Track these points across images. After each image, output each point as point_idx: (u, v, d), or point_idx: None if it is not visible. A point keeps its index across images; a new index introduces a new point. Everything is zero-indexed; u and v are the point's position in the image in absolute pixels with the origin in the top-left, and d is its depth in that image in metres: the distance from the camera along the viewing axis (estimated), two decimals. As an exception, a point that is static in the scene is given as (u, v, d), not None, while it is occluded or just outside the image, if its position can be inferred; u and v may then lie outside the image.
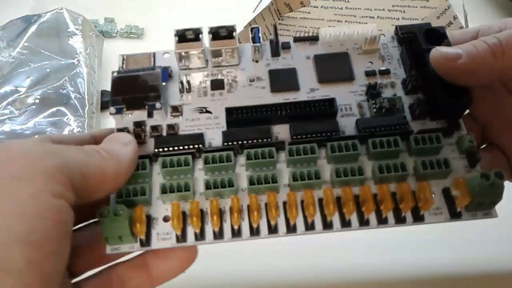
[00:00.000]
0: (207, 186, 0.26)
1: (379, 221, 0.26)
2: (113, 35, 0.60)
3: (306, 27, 0.59)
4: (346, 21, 0.60)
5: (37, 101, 0.46)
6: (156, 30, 0.62)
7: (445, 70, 0.27)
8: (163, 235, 0.26)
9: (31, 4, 0.62)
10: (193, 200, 0.25)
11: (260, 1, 0.57)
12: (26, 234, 0.18)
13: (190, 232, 0.26)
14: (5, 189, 0.19)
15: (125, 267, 0.27)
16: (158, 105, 0.28)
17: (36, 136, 0.44)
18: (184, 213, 0.26)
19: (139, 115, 0.29)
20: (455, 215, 0.26)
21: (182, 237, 0.25)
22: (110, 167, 0.23)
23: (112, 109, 0.28)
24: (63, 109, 0.46)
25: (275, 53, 0.32)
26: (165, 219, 0.26)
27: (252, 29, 0.31)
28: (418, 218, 0.26)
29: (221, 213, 0.26)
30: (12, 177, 0.19)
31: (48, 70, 0.49)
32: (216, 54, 0.31)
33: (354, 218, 0.26)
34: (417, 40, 0.30)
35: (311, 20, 0.61)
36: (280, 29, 0.60)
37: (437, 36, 0.29)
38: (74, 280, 0.26)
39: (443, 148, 0.27)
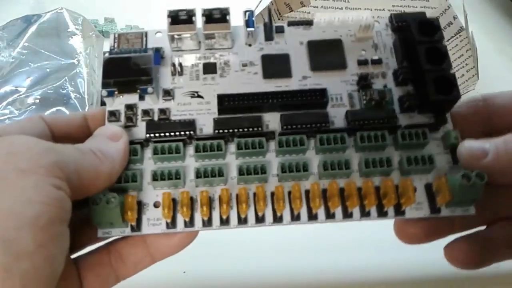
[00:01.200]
0: (198, 175, 0.26)
1: (362, 214, 0.27)
2: (113, 34, 0.59)
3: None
4: (346, 21, 0.59)
5: (37, 101, 0.46)
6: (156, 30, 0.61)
7: (471, 168, 0.25)
8: (154, 221, 0.26)
9: (31, 4, 0.61)
10: (183, 190, 0.26)
11: (260, 1, 0.55)
12: (35, 220, 0.19)
13: (180, 219, 0.26)
14: (11, 179, 0.20)
15: (124, 243, 0.27)
16: (150, 89, 0.28)
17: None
18: (174, 200, 0.26)
19: (131, 98, 0.29)
20: (434, 211, 0.27)
21: (172, 224, 0.26)
22: (104, 168, 0.24)
23: (104, 91, 0.28)
24: (63, 109, 0.47)
25: (268, 37, 0.32)
26: (156, 205, 0.27)
27: (246, 12, 0.30)
28: (399, 212, 0.27)
29: (210, 202, 0.26)
30: (16, 168, 0.20)
31: (48, 70, 0.49)
32: (209, 36, 0.30)
33: (338, 211, 0.27)
34: (410, 31, 0.30)
35: (311, 20, 0.59)
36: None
37: (431, 27, 0.29)
38: (73, 256, 0.27)
39: (429, 143, 0.28)
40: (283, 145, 0.27)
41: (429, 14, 0.58)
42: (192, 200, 0.26)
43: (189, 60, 0.31)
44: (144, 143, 0.28)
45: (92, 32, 0.54)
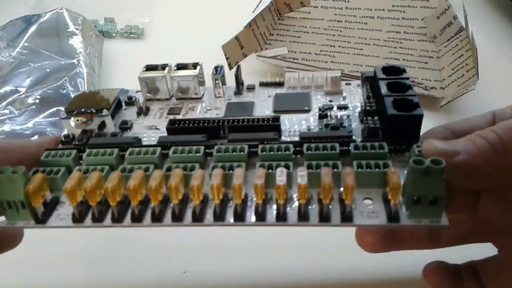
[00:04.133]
0: (122, 170, 0.24)
1: (299, 218, 0.22)
2: (113, 35, 0.60)
3: (306, 27, 0.58)
4: (346, 21, 0.58)
5: (37, 101, 0.45)
6: (156, 30, 0.61)
7: None
8: (63, 216, 0.23)
9: (31, 4, 0.63)
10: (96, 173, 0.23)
11: (260, 1, 0.56)
12: None
13: (89, 215, 0.23)
14: None
15: None
16: (105, 111, 0.29)
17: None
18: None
19: (90, 126, 0.29)
20: (392, 218, 0.21)
21: (79, 217, 0.23)
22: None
23: (63, 113, 0.29)
24: (63, 109, 0.44)
25: (238, 91, 0.32)
26: (73, 203, 0.24)
27: (216, 67, 0.32)
28: (345, 217, 0.22)
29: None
30: None
31: (48, 70, 0.49)
32: (182, 90, 0.32)
33: (271, 213, 0.22)
34: (375, 75, 0.29)
35: (311, 20, 0.60)
36: (280, 29, 0.59)
37: (396, 71, 0.29)
38: None
39: (393, 163, 0.24)
40: (221, 151, 0.25)
41: (429, 14, 0.57)
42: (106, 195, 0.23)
43: (158, 105, 0.32)
44: (81, 149, 0.27)
45: (92, 32, 0.54)
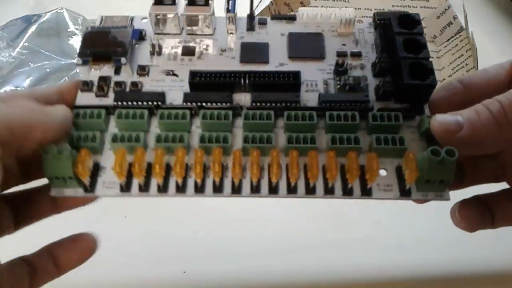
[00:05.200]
0: (158, 139, 0.26)
1: (325, 191, 0.25)
2: (113, 35, 0.60)
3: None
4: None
5: None
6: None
7: (446, 142, 0.24)
8: (108, 184, 0.25)
9: (31, 4, 0.62)
10: (139, 147, 0.25)
11: (260, 1, 0.56)
12: None
13: (135, 183, 0.25)
14: None
15: (33, 256, 0.27)
16: (123, 60, 0.28)
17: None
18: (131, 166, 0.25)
19: (106, 70, 0.29)
20: (404, 193, 0.25)
21: (126, 187, 0.25)
22: (37, 118, 0.23)
23: (79, 59, 0.29)
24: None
25: (250, 27, 0.32)
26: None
27: (229, 1, 0.31)
28: (365, 192, 0.25)
29: (167, 168, 0.25)
30: None
31: (48, 70, 0.49)
32: (192, 22, 0.31)
33: (301, 186, 0.25)
34: (390, 25, 0.30)
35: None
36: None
37: (411, 22, 0.29)
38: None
39: (403, 128, 0.27)
40: (249, 118, 0.26)
41: (429, 14, 0.58)
42: (149, 167, 0.25)
43: (170, 43, 0.31)
44: (110, 110, 0.27)
45: (92, 32, 0.55)
